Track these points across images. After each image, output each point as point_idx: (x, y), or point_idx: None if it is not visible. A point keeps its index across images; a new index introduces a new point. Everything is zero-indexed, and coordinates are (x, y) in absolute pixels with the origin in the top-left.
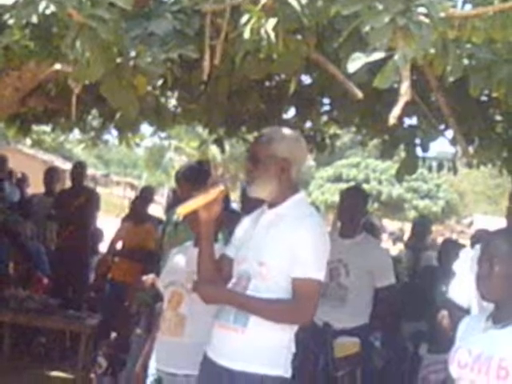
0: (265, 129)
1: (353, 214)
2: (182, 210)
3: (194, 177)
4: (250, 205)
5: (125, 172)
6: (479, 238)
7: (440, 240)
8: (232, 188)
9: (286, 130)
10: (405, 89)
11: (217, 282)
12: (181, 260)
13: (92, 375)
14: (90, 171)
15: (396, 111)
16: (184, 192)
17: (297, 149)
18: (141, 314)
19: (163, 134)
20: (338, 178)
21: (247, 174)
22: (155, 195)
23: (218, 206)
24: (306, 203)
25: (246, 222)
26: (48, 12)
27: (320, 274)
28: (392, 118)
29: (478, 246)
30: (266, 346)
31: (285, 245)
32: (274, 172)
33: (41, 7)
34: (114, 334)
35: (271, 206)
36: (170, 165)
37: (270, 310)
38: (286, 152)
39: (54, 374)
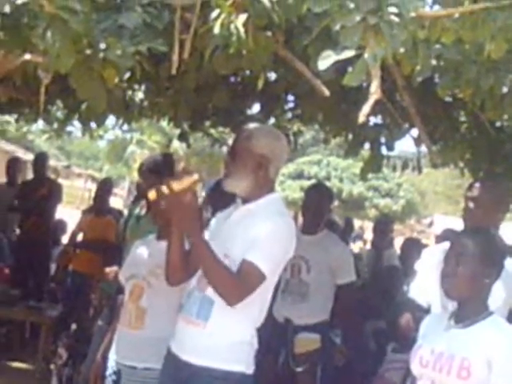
0: (247, 124)
1: (316, 210)
2: (153, 195)
3: (159, 169)
4: (222, 202)
5: (86, 164)
6: (446, 237)
7: (400, 239)
8: None
9: (269, 128)
10: (375, 87)
11: (185, 274)
12: (143, 253)
13: (52, 366)
14: (51, 162)
15: (366, 109)
16: (148, 185)
17: (276, 147)
18: (103, 305)
19: (125, 127)
20: (299, 175)
21: (225, 168)
22: (116, 188)
23: (191, 196)
24: (280, 203)
25: (219, 218)
26: (19, 2)
27: (267, 268)
28: (362, 116)
29: (442, 245)
30: (228, 341)
31: (249, 238)
32: (251, 168)
33: None
34: (74, 326)
35: (245, 201)
36: (132, 158)
37: (217, 268)
38: (265, 149)
39: (14, 364)
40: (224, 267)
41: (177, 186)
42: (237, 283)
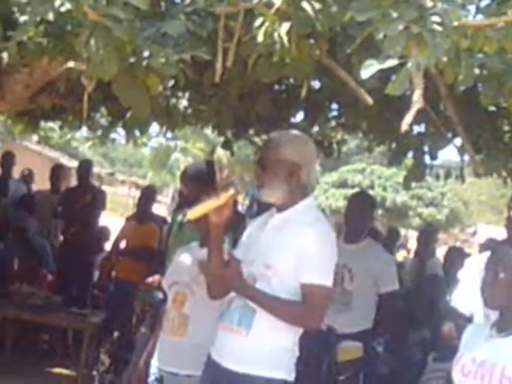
0: (273, 132)
1: (359, 219)
2: (192, 215)
3: (201, 177)
4: (265, 207)
5: (130, 171)
6: (489, 246)
7: (443, 248)
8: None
9: (294, 134)
10: (417, 96)
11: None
12: (186, 260)
13: (94, 373)
14: (95, 169)
15: (408, 118)
16: (190, 191)
17: (305, 152)
18: (146, 312)
19: (169, 135)
20: (342, 184)
21: (257, 179)
22: (160, 195)
23: (229, 211)
24: (314, 208)
25: (255, 224)
26: (63, 9)
27: (328, 281)
28: (404, 125)
29: (485, 254)
30: (270, 348)
31: (291, 249)
32: (283, 176)
33: (56, 4)
34: (116, 333)
35: (280, 209)
36: (176, 165)
37: (281, 309)
38: (295, 156)
39: (57, 370)
40: (289, 303)
41: (214, 202)
42: (308, 310)
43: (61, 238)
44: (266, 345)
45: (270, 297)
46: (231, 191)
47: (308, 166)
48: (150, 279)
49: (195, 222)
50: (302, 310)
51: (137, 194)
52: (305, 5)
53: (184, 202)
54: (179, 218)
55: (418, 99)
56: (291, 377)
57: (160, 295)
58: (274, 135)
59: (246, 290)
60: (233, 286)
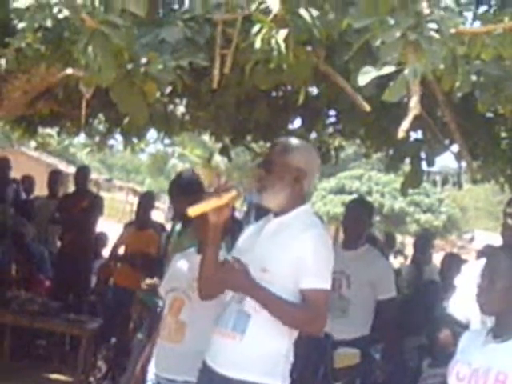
0: (280, 138)
1: (357, 225)
2: (193, 211)
3: (192, 188)
4: (263, 214)
5: (128, 177)
6: (486, 253)
7: (440, 254)
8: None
9: (301, 141)
10: (414, 103)
11: (218, 288)
12: (183, 266)
13: (91, 379)
14: (93, 176)
15: (405, 125)
16: (177, 206)
17: (311, 160)
18: (142, 318)
19: (167, 141)
20: (340, 190)
21: (260, 182)
22: (157, 201)
23: (229, 212)
24: (310, 214)
25: (250, 230)
26: (61, 16)
27: (327, 284)
28: (401, 132)
29: (482, 261)
30: (264, 354)
31: (288, 253)
32: (288, 181)
33: (54, 11)
34: (114, 339)
35: (277, 214)
36: (174, 171)
37: (285, 311)
38: (302, 162)
39: (54, 376)
40: (293, 306)
41: (216, 202)
42: (311, 315)
43: (58, 243)
44: (260, 350)
45: (276, 296)
46: (233, 192)
47: (312, 174)
48: (147, 280)
49: (193, 226)
50: (305, 315)
51: (134, 200)
52: (302, 12)
53: (177, 215)
54: (178, 226)
55: (414, 106)
56: (285, 383)
57: (161, 303)
58: (283, 140)
59: (251, 287)
60: (238, 284)
